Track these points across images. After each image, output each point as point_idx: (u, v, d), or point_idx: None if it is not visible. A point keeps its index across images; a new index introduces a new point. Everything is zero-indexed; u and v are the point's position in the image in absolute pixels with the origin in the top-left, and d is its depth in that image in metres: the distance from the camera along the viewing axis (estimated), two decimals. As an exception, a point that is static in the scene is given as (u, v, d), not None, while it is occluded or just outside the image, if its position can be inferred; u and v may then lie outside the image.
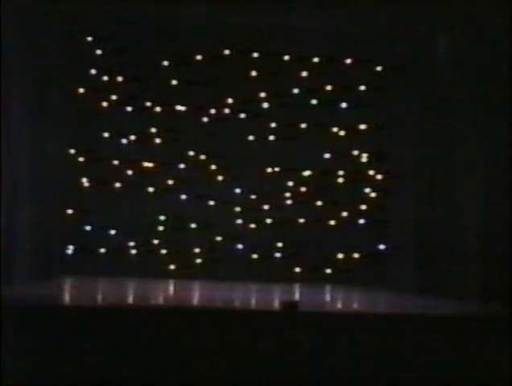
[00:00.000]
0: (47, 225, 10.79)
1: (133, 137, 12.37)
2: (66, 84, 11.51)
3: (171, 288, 11.05)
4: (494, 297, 9.33)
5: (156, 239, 12.32)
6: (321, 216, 12.48)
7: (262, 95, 12.46)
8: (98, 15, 10.84)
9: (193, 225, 12.42)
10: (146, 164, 12.34)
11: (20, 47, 9.53)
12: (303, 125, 12.50)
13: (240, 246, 12.48)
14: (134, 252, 12.29)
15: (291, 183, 12.56)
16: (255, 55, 12.34)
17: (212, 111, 12.43)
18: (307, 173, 12.56)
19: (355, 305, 9.55)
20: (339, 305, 9.65)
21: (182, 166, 12.45)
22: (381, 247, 12.38)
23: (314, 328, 7.02)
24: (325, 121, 12.43)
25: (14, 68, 9.33)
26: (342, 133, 12.57)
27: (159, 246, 12.33)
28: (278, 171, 12.53)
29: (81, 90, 12.11)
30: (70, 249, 11.97)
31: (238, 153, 12.30)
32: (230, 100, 12.42)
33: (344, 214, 12.51)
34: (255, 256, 12.45)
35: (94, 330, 6.74)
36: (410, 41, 11.36)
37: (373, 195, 12.51)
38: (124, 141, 12.38)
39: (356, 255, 12.45)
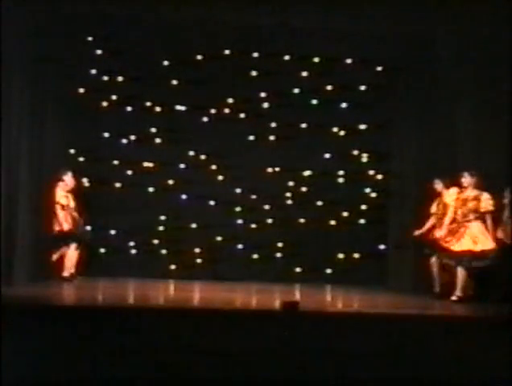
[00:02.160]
0: (46, 225, 10.78)
1: (133, 137, 12.38)
2: (66, 84, 11.50)
3: (172, 288, 11.05)
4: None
5: (156, 239, 12.33)
6: (321, 216, 12.49)
7: (262, 95, 12.46)
8: (98, 15, 10.83)
9: (193, 225, 12.43)
10: (146, 164, 12.35)
11: (20, 47, 9.52)
12: (303, 125, 12.51)
13: (240, 246, 12.48)
14: (134, 252, 12.31)
15: (291, 183, 12.57)
16: (255, 55, 12.34)
17: (212, 111, 12.43)
18: (307, 173, 12.56)
19: (355, 305, 9.55)
20: (339, 305, 9.64)
21: (182, 166, 12.46)
22: (382, 247, 12.38)
23: (314, 328, 7.02)
24: (325, 121, 12.44)
25: (14, 68, 9.33)
26: (342, 133, 12.58)
27: (159, 246, 12.33)
28: (278, 171, 12.54)
29: (81, 90, 12.11)
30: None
31: (238, 154, 12.31)
32: (230, 100, 12.42)
33: (345, 214, 12.52)
34: (255, 256, 12.46)
35: (94, 330, 6.74)
36: (410, 41, 11.36)
37: (373, 195, 12.52)
38: (124, 141, 12.39)
39: (356, 255, 12.45)
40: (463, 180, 9.86)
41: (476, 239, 9.68)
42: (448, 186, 10.25)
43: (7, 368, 6.29)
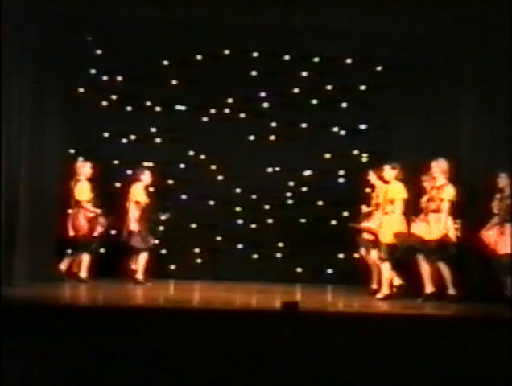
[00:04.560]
0: (46, 225, 10.77)
1: (133, 137, 12.38)
2: (66, 84, 11.50)
3: (172, 288, 11.04)
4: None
5: (156, 239, 12.30)
6: (321, 216, 12.48)
7: (262, 95, 12.46)
8: (98, 15, 10.83)
9: (193, 225, 12.42)
10: (146, 164, 12.34)
11: (20, 46, 9.52)
12: (303, 125, 12.50)
13: (240, 246, 12.48)
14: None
15: (291, 183, 12.57)
16: (255, 55, 12.34)
17: (212, 111, 12.43)
18: (307, 173, 12.56)
19: (355, 306, 9.54)
20: (339, 306, 9.64)
21: (182, 166, 12.46)
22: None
23: (314, 328, 7.02)
24: (325, 121, 12.43)
25: (14, 68, 9.33)
26: (342, 133, 12.58)
27: (159, 246, 12.31)
28: (278, 171, 12.54)
29: (81, 90, 12.10)
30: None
31: (238, 154, 12.30)
32: (230, 100, 12.42)
33: (345, 214, 12.51)
34: (255, 256, 12.45)
35: (94, 330, 6.74)
36: (410, 41, 11.35)
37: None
38: (124, 141, 12.39)
39: (356, 255, 12.43)
40: (384, 174, 9.99)
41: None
42: (382, 179, 10.44)
43: (7, 368, 6.28)
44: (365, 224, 10.51)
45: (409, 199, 9.95)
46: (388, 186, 10.04)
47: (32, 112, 10.06)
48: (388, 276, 9.86)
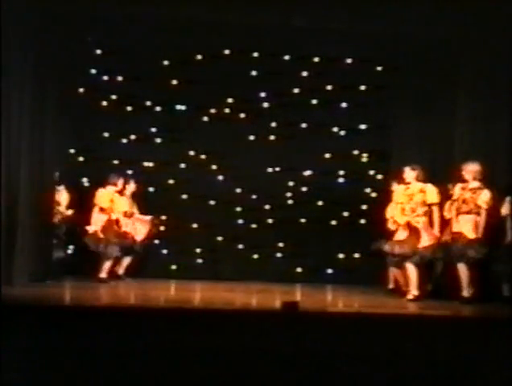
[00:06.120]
0: (47, 225, 10.76)
1: (133, 137, 12.39)
2: (66, 84, 11.50)
3: (172, 288, 11.04)
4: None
5: (156, 239, 12.32)
6: (321, 216, 12.49)
7: (262, 95, 12.47)
8: (98, 15, 10.84)
9: (194, 225, 12.43)
10: (146, 164, 12.35)
11: (20, 47, 9.51)
12: (303, 125, 12.52)
13: (240, 246, 12.48)
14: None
15: (291, 183, 12.58)
16: (255, 55, 12.35)
17: (212, 111, 12.44)
18: (307, 173, 12.57)
19: (355, 306, 9.54)
20: (339, 305, 9.64)
21: (182, 165, 12.47)
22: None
23: (314, 328, 7.02)
24: (325, 121, 12.45)
25: (14, 68, 9.32)
26: (342, 133, 12.59)
27: (160, 246, 12.33)
28: (278, 171, 12.55)
29: (81, 90, 12.11)
30: (70, 249, 11.95)
31: (238, 154, 12.32)
32: (230, 100, 12.43)
33: (345, 214, 12.52)
34: (255, 256, 12.46)
35: (94, 331, 6.74)
36: (410, 41, 11.36)
37: (373, 194, 12.52)
38: (124, 141, 12.39)
39: (356, 255, 12.45)
40: (405, 175, 9.89)
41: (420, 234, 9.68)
42: (398, 182, 10.29)
43: (7, 368, 6.28)
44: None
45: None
46: (412, 189, 9.80)
47: (32, 113, 10.05)
48: (416, 277, 9.72)
